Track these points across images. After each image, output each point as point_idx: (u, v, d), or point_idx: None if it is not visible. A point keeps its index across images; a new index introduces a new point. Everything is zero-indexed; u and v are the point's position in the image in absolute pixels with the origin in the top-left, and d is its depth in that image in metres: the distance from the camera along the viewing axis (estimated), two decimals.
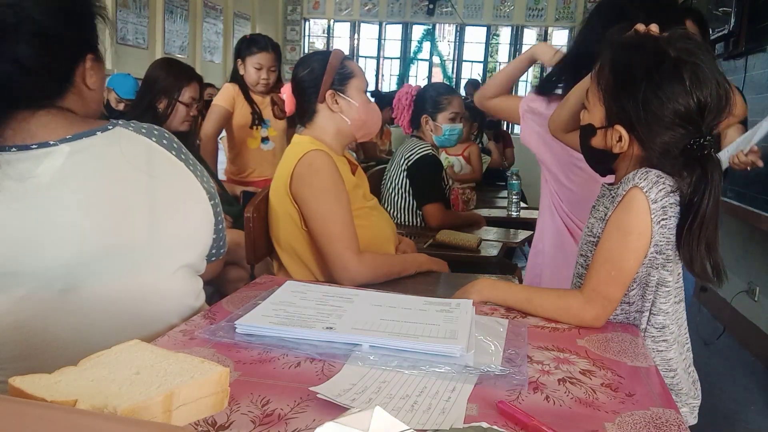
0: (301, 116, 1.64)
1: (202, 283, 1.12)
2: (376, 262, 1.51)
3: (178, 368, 0.68)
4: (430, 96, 2.62)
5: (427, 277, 1.62)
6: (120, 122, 1.00)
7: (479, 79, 7.58)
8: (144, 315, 0.97)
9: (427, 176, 2.50)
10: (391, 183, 2.55)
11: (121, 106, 3.95)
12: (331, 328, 0.93)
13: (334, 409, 0.70)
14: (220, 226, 1.13)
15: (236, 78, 3.02)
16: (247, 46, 2.97)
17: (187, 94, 2.35)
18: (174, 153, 1.02)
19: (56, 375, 0.64)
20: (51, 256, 0.90)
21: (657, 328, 1.11)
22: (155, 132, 1.02)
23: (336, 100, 1.57)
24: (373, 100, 1.71)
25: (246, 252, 1.60)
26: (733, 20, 3.61)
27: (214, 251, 1.13)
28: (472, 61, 8.05)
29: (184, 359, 0.71)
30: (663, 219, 1.04)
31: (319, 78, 1.57)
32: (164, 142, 1.02)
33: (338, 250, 1.46)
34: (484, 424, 0.64)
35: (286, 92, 1.65)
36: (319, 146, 1.53)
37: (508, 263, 2.84)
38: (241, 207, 2.36)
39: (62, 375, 0.64)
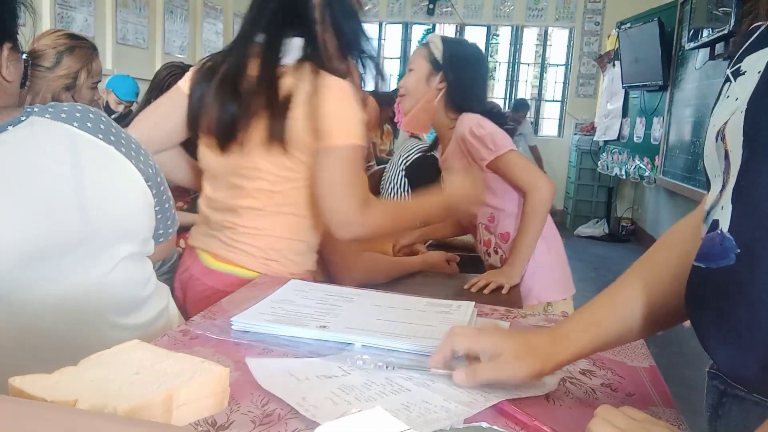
0: None
1: (151, 266, 1.06)
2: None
3: (178, 368, 0.68)
4: None
5: (428, 277, 1.62)
6: (35, 110, 0.90)
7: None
8: (88, 314, 0.92)
9: (424, 176, 2.50)
10: (390, 183, 2.56)
11: (120, 108, 3.94)
12: (324, 327, 0.93)
13: None
14: (166, 206, 1.06)
15: None
16: None
17: None
18: (101, 136, 0.92)
19: (56, 375, 0.64)
20: None
21: None
22: (77, 115, 0.91)
23: None
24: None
25: None
26: (733, 20, 3.61)
27: (161, 231, 1.07)
28: None
29: (184, 359, 0.71)
30: None
31: None
32: (88, 125, 0.92)
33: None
34: (484, 424, 0.64)
35: None
36: None
37: None
38: None
39: (62, 375, 0.64)
